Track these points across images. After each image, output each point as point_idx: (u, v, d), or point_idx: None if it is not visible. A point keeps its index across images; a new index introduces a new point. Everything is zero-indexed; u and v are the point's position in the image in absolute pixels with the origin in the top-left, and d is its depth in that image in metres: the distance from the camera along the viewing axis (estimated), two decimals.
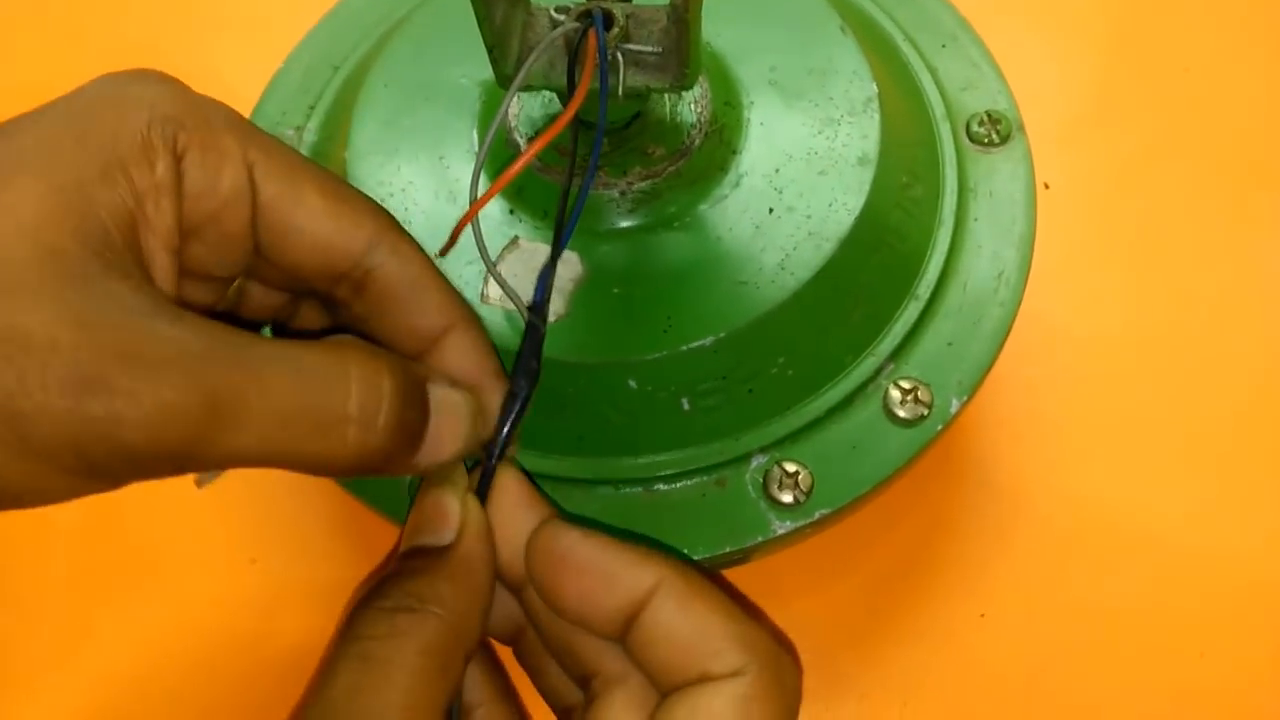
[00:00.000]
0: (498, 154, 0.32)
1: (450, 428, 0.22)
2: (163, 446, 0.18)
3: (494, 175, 0.32)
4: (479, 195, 0.26)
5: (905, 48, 0.38)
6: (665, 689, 0.21)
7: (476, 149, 0.33)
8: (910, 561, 0.39)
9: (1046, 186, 0.44)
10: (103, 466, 0.18)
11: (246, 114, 0.38)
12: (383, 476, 0.22)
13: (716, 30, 0.34)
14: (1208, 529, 0.38)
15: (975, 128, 0.36)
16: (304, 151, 0.37)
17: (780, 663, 0.21)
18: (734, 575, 0.38)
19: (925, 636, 0.37)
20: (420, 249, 0.24)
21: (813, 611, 0.38)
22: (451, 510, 0.23)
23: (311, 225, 0.22)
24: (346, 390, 0.20)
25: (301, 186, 0.22)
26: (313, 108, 0.38)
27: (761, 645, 0.21)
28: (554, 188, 0.32)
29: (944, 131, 0.36)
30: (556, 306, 0.31)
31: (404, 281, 0.23)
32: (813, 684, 0.37)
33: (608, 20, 0.28)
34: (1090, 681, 0.36)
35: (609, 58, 0.28)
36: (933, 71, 0.38)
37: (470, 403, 0.23)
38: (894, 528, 0.39)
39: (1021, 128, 0.36)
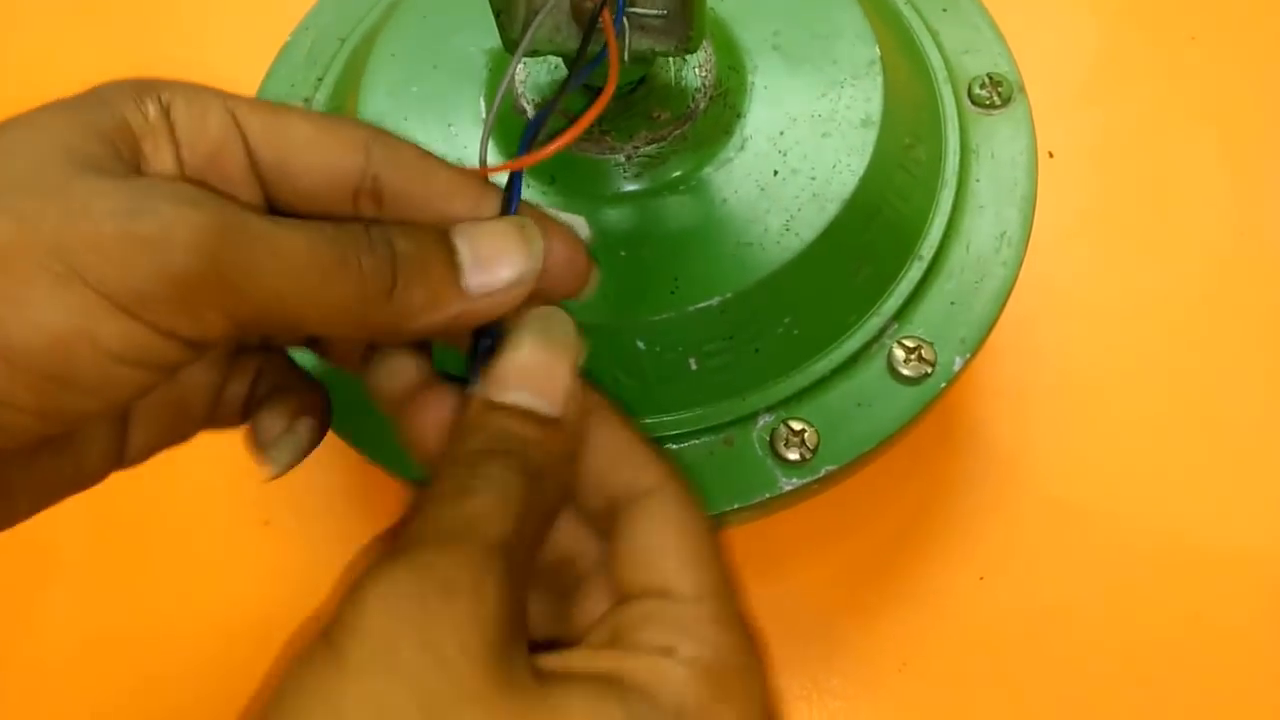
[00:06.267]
0: (505, 120, 0.33)
1: (498, 244, 0.22)
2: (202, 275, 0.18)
3: (503, 142, 0.33)
4: (488, 161, 0.27)
5: (907, 12, 0.38)
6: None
7: (484, 116, 0.34)
8: (910, 525, 0.39)
9: (1051, 155, 0.44)
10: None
11: (256, 86, 0.39)
12: (445, 327, 0.22)
13: None
14: (1204, 495, 0.39)
15: (976, 90, 0.37)
16: None
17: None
18: (735, 540, 0.38)
19: (924, 599, 0.38)
20: (411, 144, 0.24)
21: (813, 575, 0.39)
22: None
23: (306, 149, 0.22)
24: (358, 235, 0.20)
25: (285, 119, 0.22)
26: (320, 79, 0.39)
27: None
28: (561, 154, 0.32)
29: (946, 94, 0.36)
30: None
31: (411, 174, 0.23)
32: (812, 647, 0.38)
33: None
34: (1087, 643, 0.37)
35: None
36: (934, 35, 0.38)
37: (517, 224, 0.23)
38: (894, 493, 0.40)
39: (1022, 89, 0.37)
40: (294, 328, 0.20)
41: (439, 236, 0.22)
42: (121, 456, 0.24)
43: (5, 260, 0.17)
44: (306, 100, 0.38)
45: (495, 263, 0.22)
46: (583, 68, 0.28)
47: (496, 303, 0.22)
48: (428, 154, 0.24)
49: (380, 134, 0.23)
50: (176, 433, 0.24)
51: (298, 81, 0.39)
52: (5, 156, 0.18)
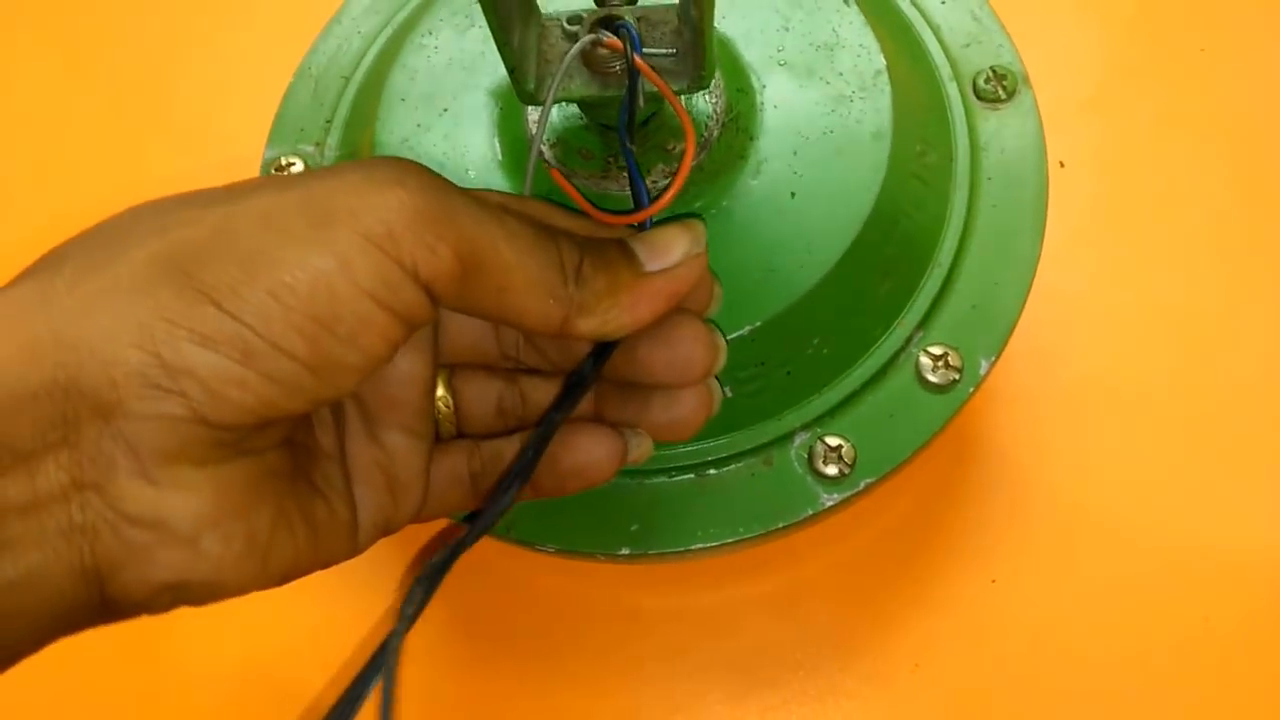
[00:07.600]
0: (523, 163, 0.33)
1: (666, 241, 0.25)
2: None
3: (514, 180, 0.33)
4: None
5: (905, 6, 0.38)
6: None
7: (500, 158, 0.34)
8: (923, 530, 0.40)
9: (1062, 165, 0.44)
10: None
11: (265, 134, 0.39)
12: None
13: (721, 13, 0.35)
14: (1215, 501, 0.39)
15: (982, 84, 0.37)
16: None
17: None
18: (753, 544, 0.38)
19: (937, 602, 0.38)
20: (537, 200, 0.27)
21: (827, 575, 0.39)
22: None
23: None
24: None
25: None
26: (329, 121, 0.39)
27: None
28: (584, 194, 0.32)
29: (951, 92, 0.37)
30: None
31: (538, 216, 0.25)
32: (826, 646, 0.38)
33: (620, 25, 0.28)
34: (1097, 647, 0.37)
35: (624, 66, 0.28)
36: (935, 30, 0.38)
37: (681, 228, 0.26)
38: (908, 498, 0.40)
39: (1027, 81, 0.37)
40: (502, 288, 0.22)
41: (613, 240, 0.25)
42: (355, 524, 0.24)
43: (269, 217, 0.20)
44: (318, 145, 0.39)
45: (666, 248, 0.25)
46: (622, 109, 0.28)
47: (672, 278, 0.25)
48: (551, 204, 0.27)
49: (510, 197, 0.26)
50: (391, 501, 0.25)
51: (307, 124, 0.39)
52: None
